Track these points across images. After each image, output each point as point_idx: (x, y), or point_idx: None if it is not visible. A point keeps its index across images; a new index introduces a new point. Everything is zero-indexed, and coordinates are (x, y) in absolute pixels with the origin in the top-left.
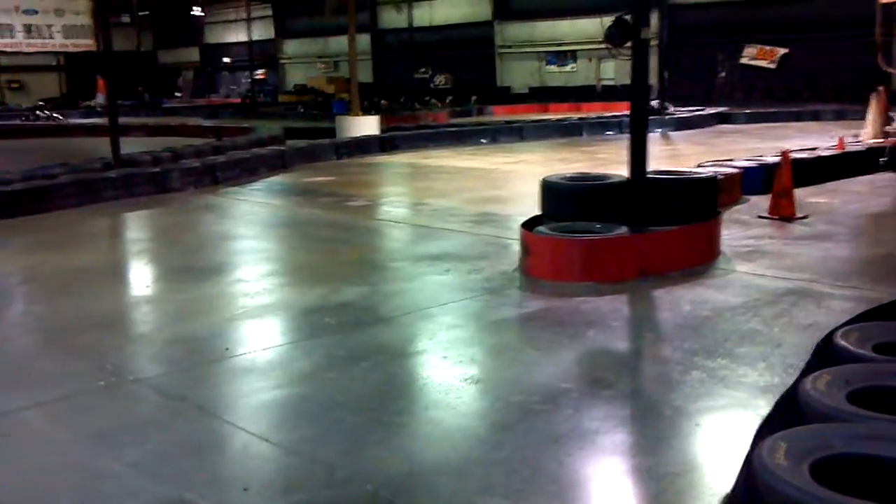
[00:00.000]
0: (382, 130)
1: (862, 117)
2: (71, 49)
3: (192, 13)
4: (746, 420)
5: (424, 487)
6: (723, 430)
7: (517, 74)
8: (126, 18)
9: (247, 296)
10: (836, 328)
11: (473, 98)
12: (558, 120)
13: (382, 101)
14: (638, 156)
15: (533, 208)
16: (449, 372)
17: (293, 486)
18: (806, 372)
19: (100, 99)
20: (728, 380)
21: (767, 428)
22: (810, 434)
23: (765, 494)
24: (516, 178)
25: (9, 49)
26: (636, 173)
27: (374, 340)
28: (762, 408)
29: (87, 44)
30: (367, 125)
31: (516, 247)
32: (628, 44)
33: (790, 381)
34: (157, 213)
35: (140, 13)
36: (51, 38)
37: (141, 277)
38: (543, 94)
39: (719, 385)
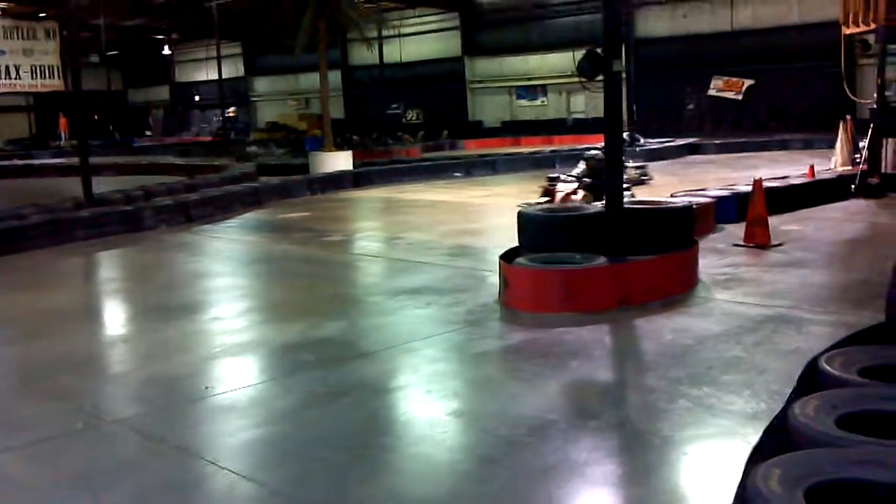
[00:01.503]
0: (356, 166)
1: (829, 146)
2: (40, 89)
3: (161, 52)
4: (735, 448)
5: None
6: (712, 459)
7: (488, 109)
8: (95, 58)
9: (224, 333)
10: (821, 353)
11: (445, 132)
12: (531, 153)
13: (354, 137)
14: (614, 186)
15: (509, 240)
16: (433, 406)
17: None
18: (793, 398)
19: (63, 138)
20: (715, 408)
21: (758, 455)
22: (802, 460)
23: None
24: (491, 210)
25: None
26: (613, 203)
27: (356, 376)
28: (750, 435)
29: (55, 84)
30: (340, 161)
31: (495, 279)
32: (600, 77)
33: (776, 407)
34: (130, 252)
35: (109, 53)
36: (19, 78)
37: (116, 317)
38: (515, 128)
39: (706, 413)
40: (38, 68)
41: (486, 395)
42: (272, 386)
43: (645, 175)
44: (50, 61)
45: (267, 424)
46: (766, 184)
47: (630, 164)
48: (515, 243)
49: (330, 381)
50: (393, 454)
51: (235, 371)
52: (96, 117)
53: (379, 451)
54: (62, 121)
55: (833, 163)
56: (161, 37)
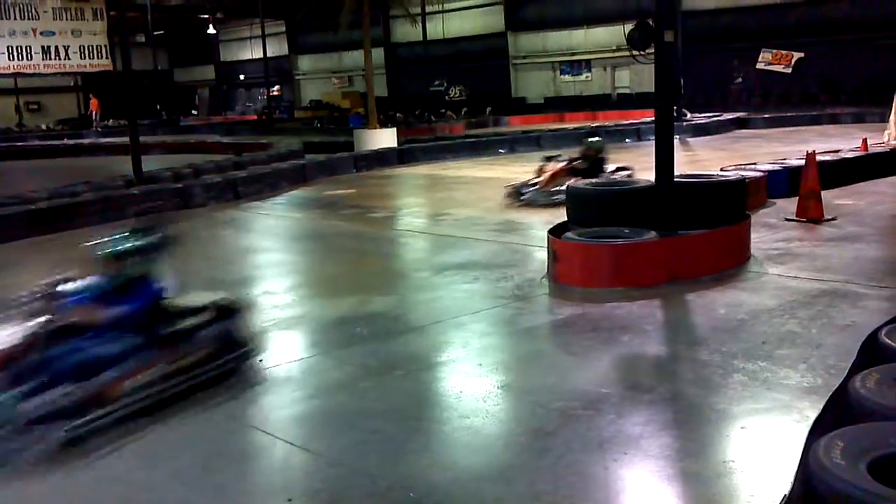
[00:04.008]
0: (400, 143)
1: (882, 119)
2: (88, 69)
3: (206, 32)
4: (792, 421)
5: (469, 495)
6: (769, 432)
7: (532, 85)
8: (142, 38)
9: (276, 308)
10: (881, 327)
11: (488, 109)
12: (575, 128)
13: (398, 114)
14: (664, 159)
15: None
16: (485, 379)
17: (337, 496)
18: (853, 371)
19: (95, 119)
20: (770, 382)
21: (819, 428)
22: (865, 432)
23: (823, 493)
24: None
25: (27, 70)
26: (663, 177)
27: (407, 349)
28: (807, 409)
29: (103, 64)
30: (384, 138)
31: (542, 254)
32: (650, 49)
33: (833, 381)
34: (180, 228)
35: (155, 33)
36: (67, 58)
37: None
38: (558, 104)
39: (762, 387)
40: (86, 48)
41: (537, 369)
42: (325, 359)
43: None
44: (98, 41)
45: (321, 396)
46: (819, 158)
47: None
48: (562, 219)
49: (381, 355)
50: (446, 426)
51: (288, 344)
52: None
53: (433, 423)
54: (93, 102)
55: (886, 136)
56: (206, 16)
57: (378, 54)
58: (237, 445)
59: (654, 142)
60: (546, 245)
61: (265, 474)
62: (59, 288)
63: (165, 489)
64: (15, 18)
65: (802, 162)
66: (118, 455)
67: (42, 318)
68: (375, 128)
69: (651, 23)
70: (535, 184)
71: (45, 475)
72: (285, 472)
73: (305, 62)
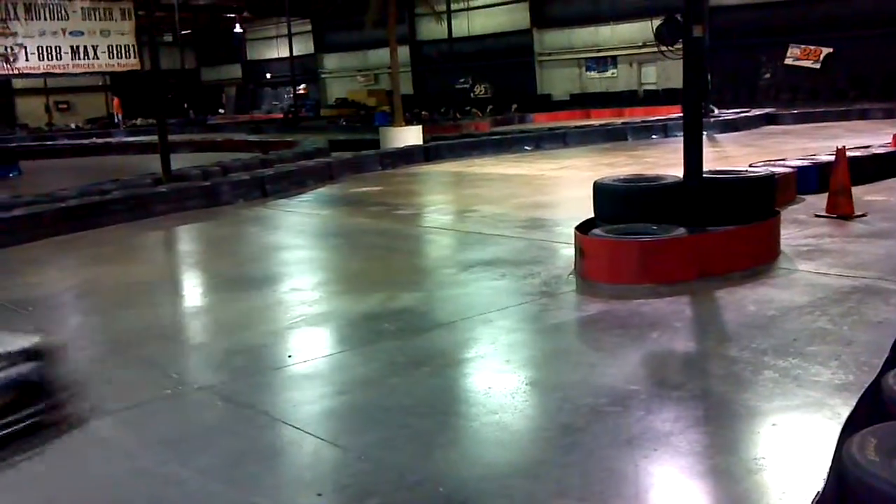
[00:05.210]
0: (426, 140)
1: None
2: (116, 69)
3: (233, 31)
4: (824, 418)
5: (498, 490)
6: (800, 429)
7: (557, 81)
8: (169, 38)
9: (303, 304)
10: None
11: (514, 106)
12: (602, 125)
13: (423, 112)
14: (693, 155)
15: (582, 213)
16: (513, 376)
17: (366, 491)
18: (886, 368)
19: (118, 119)
20: (801, 379)
21: (852, 425)
22: None
23: (857, 491)
24: (563, 183)
25: (56, 70)
26: (692, 173)
27: (435, 346)
28: (839, 406)
29: (131, 63)
30: (410, 136)
31: (569, 251)
32: (678, 45)
33: (865, 379)
34: (208, 225)
35: (182, 32)
36: (96, 58)
37: (197, 288)
38: (584, 101)
39: (793, 384)
40: (114, 48)
41: (565, 366)
42: (352, 355)
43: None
44: (126, 41)
45: (350, 392)
46: (849, 153)
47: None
48: (589, 216)
49: (410, 351)
50: (475, 422)
51: (316, 340)
52: (170, 96)
53: (461, 419)
54: (115, 101)
55: None
56: (233, 15)
57: (403, 52)
58: (267, 440)
59: (681, 138)
60: (573, 242)
61: (295, 469)
62: None
63: (196, 483)
64: (45, 19)
65: (832, 158)
66: None
67: None
68: (401, 125)
69: (679, 17)
70: None
71: None
72: (315, 466)
73: (331, 60)
